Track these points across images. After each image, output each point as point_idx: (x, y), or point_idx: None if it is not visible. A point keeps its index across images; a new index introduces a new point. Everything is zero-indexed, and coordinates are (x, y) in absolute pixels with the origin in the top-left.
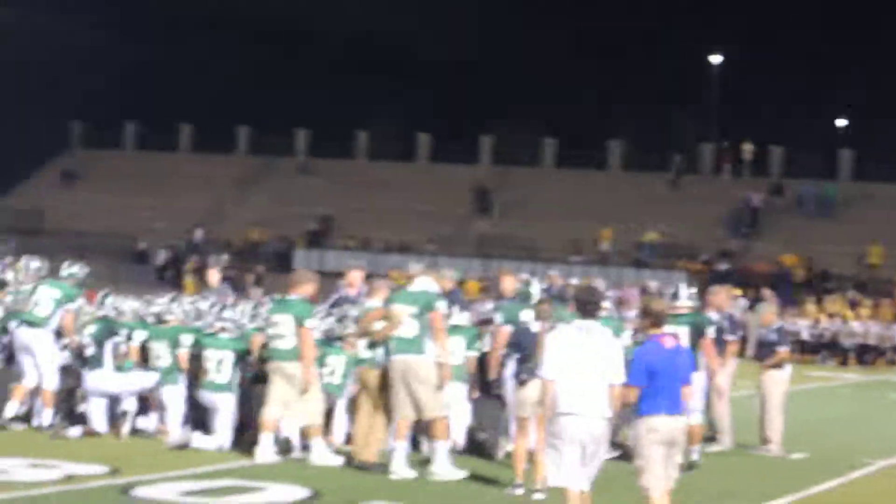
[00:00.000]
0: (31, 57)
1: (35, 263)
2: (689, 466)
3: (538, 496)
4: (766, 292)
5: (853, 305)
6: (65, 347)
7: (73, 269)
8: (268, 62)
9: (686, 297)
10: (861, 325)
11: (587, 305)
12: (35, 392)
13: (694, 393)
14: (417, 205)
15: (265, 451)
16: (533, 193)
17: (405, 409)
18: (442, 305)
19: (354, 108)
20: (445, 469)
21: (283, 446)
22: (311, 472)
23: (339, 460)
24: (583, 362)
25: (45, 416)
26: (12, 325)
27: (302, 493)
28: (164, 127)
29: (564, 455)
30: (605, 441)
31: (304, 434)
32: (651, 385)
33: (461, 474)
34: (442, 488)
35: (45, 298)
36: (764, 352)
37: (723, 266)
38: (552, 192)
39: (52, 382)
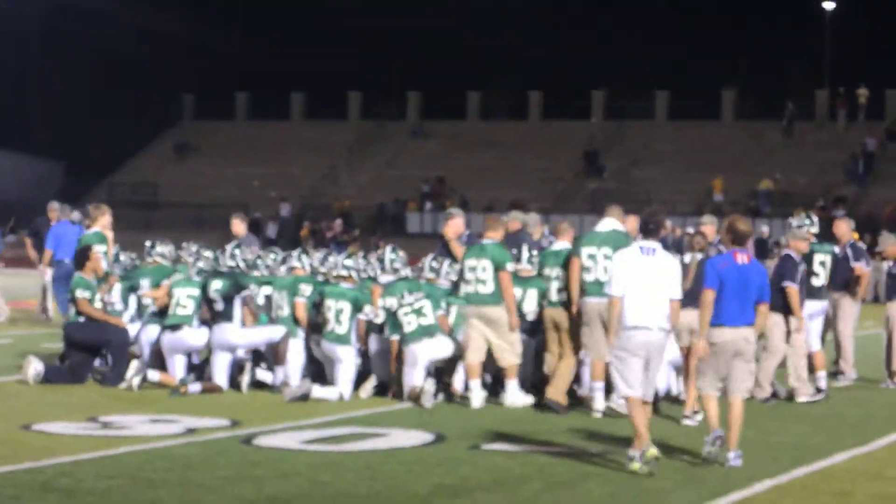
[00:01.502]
0: (141, 31)
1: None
2: (816, 390)
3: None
4: (884, 232)
5: None
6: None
7: (161, 249)
8: (376, 25)
9: (811, 224)
10: None
11: (648, 227)
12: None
13: (811, 321)
14: (531, 163)
15: (477, 396)
16: (646, 146)
17: (601, 348)
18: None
19: (466, 69)
20: (602, 405)
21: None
22: (434, 417)
23: (530, 399)
24: (645, 279)
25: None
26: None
27: (425, 437)
28: (276, 95)
29: (630, 366)
30: (663, 352)
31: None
32: (721, 296)
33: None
34: (569, 430)
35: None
36: (892, 285)
37: (839, 212)
38: (666, 144)
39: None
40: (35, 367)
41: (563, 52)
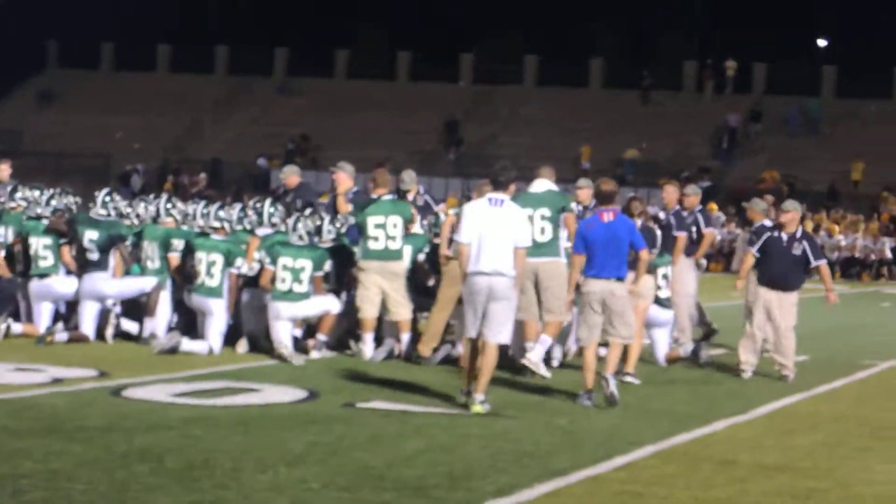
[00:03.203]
0: None
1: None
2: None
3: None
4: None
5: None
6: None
7: (24, 194)
8: None
9: None
10: (847, 239)
11: (499, 179)
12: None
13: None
14: (398, 124)
15: (369, 348)
16: (514, 112)
17: (532, 309)
18: (574, 206)
19: (334, 26)
20: (542, 366)
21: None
22: (307, 374)
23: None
24: (491, 229)
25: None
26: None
27: (299, 394)
28: (142, 47)
29: (471, 310)
30: (510, 296)
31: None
32: (589, 252)
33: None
34: (444, 389)
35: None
36: None
37: (704, 183)
38: (534, 109)
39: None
40: None
41: (433, 13)
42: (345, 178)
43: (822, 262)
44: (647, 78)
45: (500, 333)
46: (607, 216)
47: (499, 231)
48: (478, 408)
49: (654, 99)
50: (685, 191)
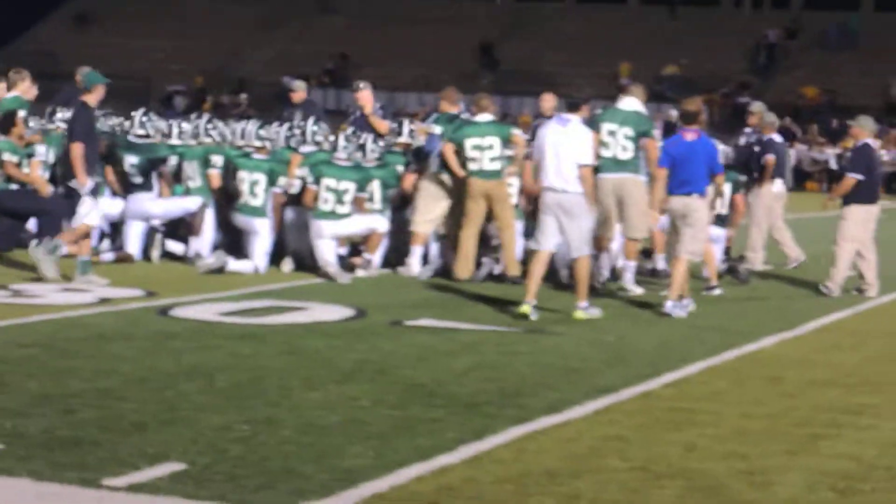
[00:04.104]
0: None
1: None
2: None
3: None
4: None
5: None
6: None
7: (63, 115)
8: None
9: None
10: (889, 154)
11: (571, 102)
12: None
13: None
14: (436, 42)
15: (417, 264)
16: (552, 29)
17: (611, 227)
18: (657, 134)
19: None
20: (633, 286)
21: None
22: (354, 291)
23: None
24: (556, 146)
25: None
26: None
27: (346, 312)
28: None
29: (543, 223)
30: (581, 212)
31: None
32: (672, 170)
33: (639, 290)
34: (491, 306)
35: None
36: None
37: (744, 99)
38: (571, 27)
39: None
40: None
41: None
42: (370, 97)
43: (846, 176)
44: None
45: (581, 248)
46: (690, 136)
47: (562, 149)
48: (580, 314)
49: (682, 14)
50: (751, 108)
